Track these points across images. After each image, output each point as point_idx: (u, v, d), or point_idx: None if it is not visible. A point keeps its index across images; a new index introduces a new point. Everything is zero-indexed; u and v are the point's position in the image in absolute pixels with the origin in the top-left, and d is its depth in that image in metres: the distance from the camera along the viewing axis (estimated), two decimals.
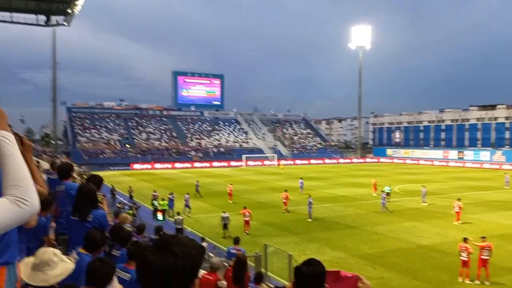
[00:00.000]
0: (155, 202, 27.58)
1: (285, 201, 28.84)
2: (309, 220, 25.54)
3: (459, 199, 25.65)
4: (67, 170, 6.08)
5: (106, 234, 5.06)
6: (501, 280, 15.35)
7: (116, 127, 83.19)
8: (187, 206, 28.11)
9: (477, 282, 15.05)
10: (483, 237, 15.90)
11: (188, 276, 1.38)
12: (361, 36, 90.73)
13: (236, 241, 12.41)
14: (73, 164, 6.90)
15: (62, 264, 3.33)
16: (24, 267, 3.39)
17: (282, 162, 71.68)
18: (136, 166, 68.45)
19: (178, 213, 23.33)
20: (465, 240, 15.79)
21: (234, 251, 11.95)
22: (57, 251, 3.46)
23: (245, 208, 23.42)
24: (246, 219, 22.69)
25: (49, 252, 3.40)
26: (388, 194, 31.00)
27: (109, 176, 50.82)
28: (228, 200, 32.96)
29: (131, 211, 24.11)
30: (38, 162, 29.22)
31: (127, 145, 77.61)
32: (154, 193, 30.98)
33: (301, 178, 39.86)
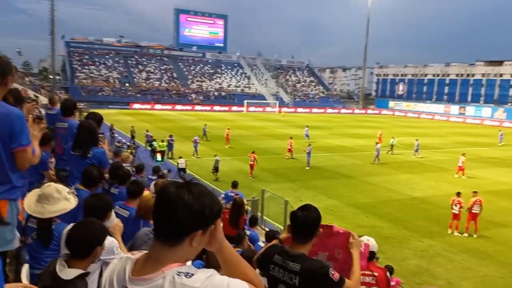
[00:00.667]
0: (154, 144, 27.77)
1: (289, 147, 29.19)
2: (307, 168, 25.88)
3: (463, 154, 25.99)
4: (71, 107, 5.97)
5: (104, 171, 5.11)
6: (489, 233, 15.83)
7: (116, 65, 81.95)
8: (195, 148, 28.73)
9: (465, 234, 15.53)
10: (475, 192, 16.21)
11: (198, 218, 1.43)
12: None
13: (234, 185, 12.60)
14: (76, 101, 6.80)
15: (63, 203, 3.38)
16: (30, 196, 3.47)
17: (284, 109, 71.53)
18: (136, 106, 68.25)
19: (180, 157, 23.54)
20: (458, 194, 16.09)
21: (232, 195, 12.18)
22: (62, 189, 3.51)
23: (253, 152, 23.90)
24: (251, 163, 23.29)
25: (52, 188, 3.45)
26: (392, 146, 32.03)
27: (107, 114, 50.76)
28: (224, 144, 33.28)
29: (129, 150, 24.35)
30: (36, 96, 29.09)
31: (126, 84, 76.86)
32: (147, 133, 31.40)
33: (306, 126, 40.06)
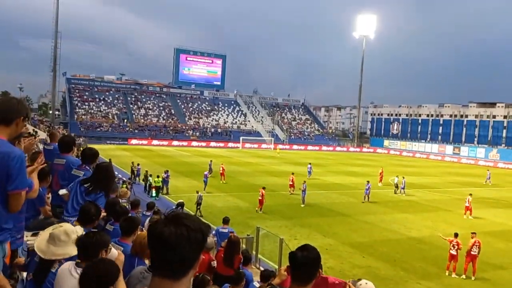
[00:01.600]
0: (150, 179, 27.72)
1: (291, 183, 29.77)
2: (302, 205, 25.78)
3: (470, 194, 26.17)
4: (69, 143, 5.96)
5: (101, 209, 5.12)
6: (487, 275, 15.65)
7: (115, 101, 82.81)
8: (205, 183, 29.08)
9: (463, 276, 15.34)
10: (473, 233, 16.14)
11: (197, 248, 1.48)
12: (365, 25, 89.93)
13: (225, 221, 12.53)
14: (75, 138, 6.83)
15: (69, 247, 3.33)
16: (44, 233, 3.45)
17: (279, 146, 71.89)
18: (133, 141, 68.47)
19: (197, 191, 23.29)
20: (455, 235, 16.02)
21: (224, 231, 12.10)
22: (72, 232, 3.45)
23: (263, 188, 24.22)
24: (259, 198, 23.63)
25: (61, 230, 3.42)
26: (397, 185, 32.46)
27: (105, 149, 50.83)
28: (220, 180, 33.29)
29: (124, 185, 24.28)
30: (35, 131, 29.20)
31: (125, 120, 77.40)
32: (138, 167, 31.59)
33: (309, 163, 40.41)
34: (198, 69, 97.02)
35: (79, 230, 3.56)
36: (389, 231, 21.19)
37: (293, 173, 31.65)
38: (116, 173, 30.75)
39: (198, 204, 22.29)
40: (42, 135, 30.92)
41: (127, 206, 9.59)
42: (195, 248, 1.46)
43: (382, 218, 23.79)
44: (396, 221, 23.26)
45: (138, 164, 33.03)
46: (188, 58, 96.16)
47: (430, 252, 18.01)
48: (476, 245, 15.45)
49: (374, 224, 22.37)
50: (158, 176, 27.68)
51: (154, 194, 25.66)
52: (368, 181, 29.05)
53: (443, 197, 32.33)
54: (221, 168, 34.34)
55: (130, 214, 7.20)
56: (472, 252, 15.43)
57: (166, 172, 29.07)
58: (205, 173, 30.28)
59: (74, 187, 5.12)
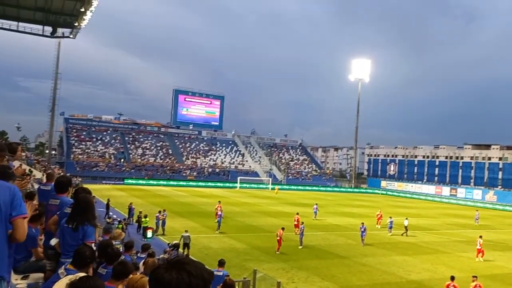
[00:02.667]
0: (146, 220, 27.39)
1: (296, 223, 29.70)
2: (300, 247, 25.38)
3: (481, 237, 25.96)
4: (65, 184, 5.96)
5: (89, 242, 5.02)
6: None
7: (112, 141, 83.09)
8: (219, 222, 29.46)
9: None
10: (474, 276, 15.88)
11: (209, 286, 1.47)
12: (360, 69, 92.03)
13: (221, 263, 12.31)
14: (71, 178, 6.84)
15: None
16: (63, 281, 3.39)
17: (277, 186, 71.59)
18: (130, 181, 68.11)
19: (186, 231, 22.91)
20: (452, 278, 15.75)
21: (218, 274, 11.86)
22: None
23: (282, 228, 24.29)
24: (278, 238, 23.64)
25: (61, 284, 3.36)
26: (406, 227, 32.18)
27: (101, 189, 50.51)
28: (215, 219, 32.97)
29: (120, 226, 23.98)
30: (30, 171, 29.12)
31: (121, 160, 77.37)
32: (131, 206, 31.40)
33: (316, 204, 40.73)
34: (196, 110, 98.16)
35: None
36: (388, 274, 20.79)
37: (298, 213, 31.79)
38: (111, 213, 30.55)
39: (185, 244, 21.82)
40: (38, 174, 30.83)
41: (121, 248, 9.44)
42: None
43: (381, 261, 23.40)
44: (395, 264, 22.86)
45: (131, 203, 32.84)
46: (186, 99, 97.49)
47: None
48: None
49: (373, 266, 21.97)
50: (146, 216, 27.44)
51: (149, 235, 25.27)
52: (362, 223, 28.61)
53: (442, 239, 31.96)
54: (219, 209, 33.96)
55: (123, 257, 7.09)
56: None
57: (163, 211, 28.74)
58: (219, 213, 30.28)
59: (61, 229, 5.11)
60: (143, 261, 10.15)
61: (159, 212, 28.65)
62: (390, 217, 33.64)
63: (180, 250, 21.15)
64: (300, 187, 79.61)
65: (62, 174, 31.76)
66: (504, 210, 62.81)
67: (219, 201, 35.37)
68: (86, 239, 4.92)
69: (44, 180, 9.81)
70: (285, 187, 76.98)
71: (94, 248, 5.18)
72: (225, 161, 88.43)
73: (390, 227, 32.18)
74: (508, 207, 64.31)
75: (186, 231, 22.50)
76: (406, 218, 33.36)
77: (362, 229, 27.79)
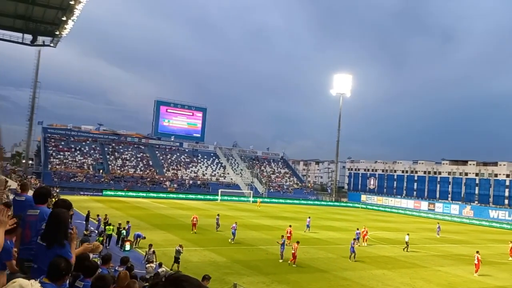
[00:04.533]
0: (124, 232, 26.96)
1: (288, 235, 30.64)
2: (280, 260, 25.30)
3: (477, 252, 26.35)
4: (45, 194, 5.85)
5: (72, 263, 4.92)
6: None
7: (91, 151, 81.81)
8: (233, 234, 30.63)
9: None
10: None
11: None
12: (342, 84, 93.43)
13: (204, 278, 12.18)
14: (51, 189, 6.70)
15: None
16: None
17: (259, 199, 71.39)
18: (108, 192, 66.98)
19: (180, 245, 22.49)
20: None
21: None
22: (27, 285, 3.33)
23: (297, 242, 25.35)
24: (293, 251, 24.41)
25: (16, 285, 3.28)
26: (407, 243, 32.59)
27: (79, 201, 49.52)
28: (191, 230, 33.21)
29: (100, 238, 23.57)
30: (6, 181, 28.39)
31: (100, 171, 76.15)
32: (99, 218, 31.17)
33: (309, 217, 41.54)
34: (178, 121, 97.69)
35: (34, 285, 3.41)
36: (367, 287, 20.86)
37: (290, 225, 32.91)
38: (89, 226, 29.94)
39: (176, 259, 21.54)
40: (14, 185, 30.07)
41: (98, 261, 9.25)
42: None
43: (361, 275, 23.49)
44: (374, 278, 22.97)
45: (98, 215, 32.43)
46: (168, 110, 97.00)
47: None
48: None
49: (352, 280, 22.03)
50: (110, 224, 27.40)
51: (127, 248, 24.85)
52: (354, 239, 29.00)
53: (420, 253, 32.31)
54: (194, 219, 34.14)
55: (100, 270, 6.94)
56: None
57: (127, 223, 28.80)
58: (233, 225, 31.46)
59: (37, 247, 4.99)
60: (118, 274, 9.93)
61: (119, 224, 28.20)
62: (358, 229, 34.65)
63: (164, 267, 20.84)
64: (281, 200, 79.61)
65: (40, 185, 31.08)
66: (480, 225, 64.02)
67: (218, 214, 37.68)
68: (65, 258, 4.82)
69: (19, 191, 9.57)
70: (266, 200, 76.87)
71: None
72: (206, 173, 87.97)
73: (357, 238, 32.75)
74: (484, 222, 65.59)
75: (180, 246, 22.19)
76: (408, 234, 33.87)
77: (352, 242, 28.08)
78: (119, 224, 28.56)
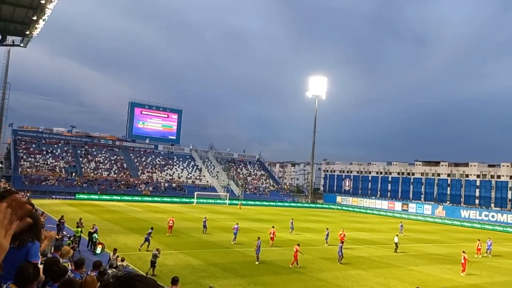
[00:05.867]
0: (96, 235, 26.41)
1: (272, 236, 31.65)
2: (256, 263, 25.24)
3: (464, 252, 27.00)
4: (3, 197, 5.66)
5: (39, 268, 4.75)
6: None
7: (64, 154, 79.91)
8: (235, 235, 31.29)
9: None
10: None
11: None
12: (317, 86, 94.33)
13: (174, 281, 12.02)
14: (14, 190, 6.45)
15: None
16: None
17: (240, 202, 71.08)
18: (81, 196, 65.55)
19: (157, 249, 22.02)
20: None
21: None
22: None
23: (298, 245, 25.85)
24: (295, 253, 24.91)
25: None
26: (396, 244, 33.31)
27: (50, 205, 48.29)
28: (167, 233, 33.25)
29: (68, 242, 22.98)
30: None
31: (73, 174, 74.46)
32: (62, 220, 30.48)
33: (292, 218, 42.30)
34: (153, 123, 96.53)
35: None
36: None
37: (273, 226, 33.50)
38: (62, 231, 29.18)
39: (152, 263, 21.15)
40: None
41: (69, 266, 9.00)
42: None
43: (336, 275, 23.70)
44: (349, 278, 23.21)
45: (62, 216, 31.54)
46: (143, 112, 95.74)
47: None
48: None
49: (328, 281, 22.19)
50: (78, 226, 27.10)
51: (98, 251, 24.34)
52: (342, 242, 28.82)
53: (394, 253, 32.83)
54: (171, 222, 33.86)
55: (73, 275, 6.75)
56: None
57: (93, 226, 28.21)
58: (235, 226, 32.23)
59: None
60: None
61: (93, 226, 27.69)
62: (327, 228, 35.58)
63: (137, 269, 20.51)
64: (257, 203, 79.63)
65: (5, 188, 30.12)
66: (452, 225, 65.66)
67: (205, 217, 38.52)
68: (30, 259, 4.64)
69: None
70: (242, 202, 76.80)
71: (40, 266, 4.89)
72: (182, 176, 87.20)
73: (326, 238, 33.91)
74: (456, 222, 67.32)
75: (157, 250, 21.77)
76: (397, 235, 34.72)
77: (340, 245, 27.96)
78: (93, 226, 27.95)
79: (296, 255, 24.86)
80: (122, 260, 20.78)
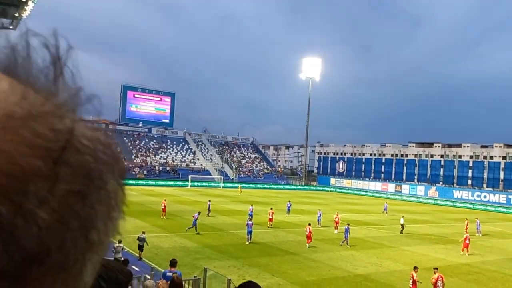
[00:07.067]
0: None
1: (270, 217, 32.54)
2: (247, 243, 25.51)
3: (466, 229, 28.86)
4: None
5: None
6: None
7: None
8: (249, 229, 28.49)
9: None
10: (435, 268, 16.84)
11: None
12: (311, 68, 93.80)
13: (173, 263, 12.09)
14: None
15: None
16: None
17: (240, 185, 71.10)
18: None
19: (120, 241, 22.11)
20: (415, 268, 16.67)
21: (170, 274, 11.63)
22: None
23: (309, 225, 26.61)
24: (307, 233, 25.82)
25: None
26: (402, 226, 33.52)
27: None
28: (161, 215, 33.53)
29: None
30: None
31: None
32: None
33: (289, 201, 42.47)
34: (146, 107, 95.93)
35: None
36: (336, 268, 21.33)
37: (271, 208, 34.25)
38: None
39: (140, 246, 21.15)
40: None
41: None
42: None
43: (329, 256, 23.97)
44: (342, 259, 23.49)
45: None
46: (136, 95, 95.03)
47: None
48: (440, 280, 16.00)
49: (321, 262, 22.45)
50: None
51: None
52: (348, 224, 28.01)
53: (387, 233, 33.24)
54: (163, 204, 34.03)
55: None
56: None
57: None
58: (250, 207, 34.16)
59: None
60: None
61: None
62: (319, 210, 36.39)
63: (132, 252, 20.60)
64: (251, 185, 79.92)
65: None
66: (444, 205, 66.42)
67: (209, 200, 38.38)
68: None
69: None
70: (236, 185, 77.05)
71: None
72: (176, 159, 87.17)
73: (319, 219, 34.56)
74: (449, 202, 68.12)
75: (143, 233, 21.78)
76: (402, 217, 34.87)
77: (347, 230, 27.22)
78: None
79: (309, 235, 25.75)
80: (119, 242, 20.85)
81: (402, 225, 33.80)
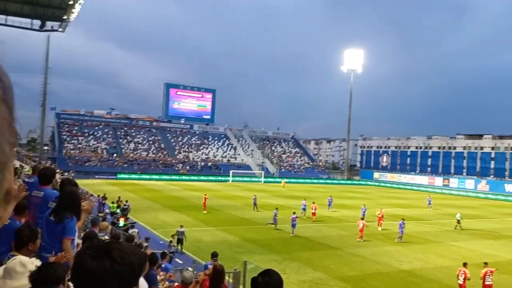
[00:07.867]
0: (118, 210, 27.83)
1: (313, 211, 32.77)
2: (291, 235, 25.69)
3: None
4: (49, 176, 5.83)
5: (66, 240, 4.78)
6: None
7: (104, 136, 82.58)
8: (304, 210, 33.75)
9: None
10: (485, 263, 16.30)
11: (124, 284, 1.31)
12: (353, 60, 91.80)
13: (214, 255, 12.29)
14: (56, 170, 6.71)
15: (25, 278, 3.14)
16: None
17: (284, 180, 70.95)
18: (122, 175, 67.79)
19: (181, 226, 22.73)
20: (464, 264, 16.10)
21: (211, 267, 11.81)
22: (28, 262, 3.28)
23: (362, 218, 27.38)
24: (360, 228, 26.05)
25: (16, 261, 3.25)
26: (458, 220, 32.64)
27: (93, 184, 50.24)
28: (202, 210, 34.02)
29: (101, 214, 24.29)
30: (22, 166, 28.84)
31: (114, 154, 76.94)
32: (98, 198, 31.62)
33: (330, 196, 42.24)
34: (188, 103, 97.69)
35: (35, 262, 3.37)
36: (380, 264, 20.90)
37: (314, 202, 34.49)
38: (104, 208, 30.37)
39: (179, 240, 21.67)
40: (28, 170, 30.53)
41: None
42: (120, 284, 1.29)
43: (373, 251, 23.51)
44: (387, 254, 22.98)
45: (127, 201, 32.08)
46: (178, 93, 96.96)
47: (422, 285, 17.74)
48: (489, 275, 15.46)
49: (364, 257, 22.07)
50: (113, 202, 28.83)
51: (121, 224, 25.12)
52: (402, 219, 27.37)
53: (434, 228, 32.19)
54: (203, 199, 34.91)
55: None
56: (486, 282, 15.42)
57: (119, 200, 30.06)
58: (304, 202, 34.96)
59: (44, 221, 4.94)
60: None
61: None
62: (364, 205, 35.38)
63: (176, 245, 21.14)
64: (292, 180, 79.59)
65: (46, 166, 31.45)
66: (496, 199, 63.41)
67: (255, 195, 40.08)
68: (66, 235, 4.74)
69: (31, 174, 9.65)
70: (277, 180, 77.03)
71: (76, 243, 5.03)
72: (217, 155, 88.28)
73: (363, 215, 32.57)
74: (500, 196, 64.94)
75: (181, 226, 22.38)
76: (459, 212, 34.02)
77: (401, 225, 26.61)
78: (118, 198, 29.53)
79: (362, 230, 25.85)
80: (132, 226, 21.51)
81: (458, 220, 32.59)
